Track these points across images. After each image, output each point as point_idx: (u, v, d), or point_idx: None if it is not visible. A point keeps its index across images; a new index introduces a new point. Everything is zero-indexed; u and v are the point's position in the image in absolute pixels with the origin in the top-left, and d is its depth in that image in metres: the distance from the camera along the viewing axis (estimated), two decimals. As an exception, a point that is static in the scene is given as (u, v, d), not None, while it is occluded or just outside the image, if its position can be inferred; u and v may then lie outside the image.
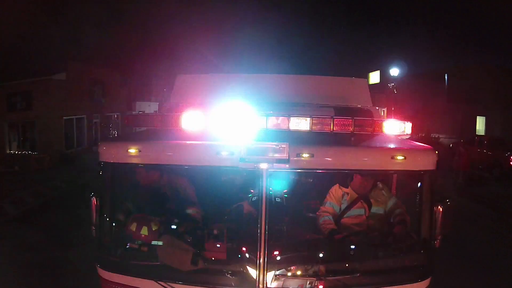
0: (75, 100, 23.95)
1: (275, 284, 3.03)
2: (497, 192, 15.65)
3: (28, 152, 21.82)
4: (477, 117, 30.85)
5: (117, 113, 31.15)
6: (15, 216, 12.00)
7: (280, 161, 2.97)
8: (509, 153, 20.16)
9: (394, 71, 27.81)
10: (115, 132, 31.16)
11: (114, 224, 3.50)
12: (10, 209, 12.43)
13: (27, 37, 22.66)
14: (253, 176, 3.08)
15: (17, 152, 22.45)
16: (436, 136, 27.60)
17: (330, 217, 3.68)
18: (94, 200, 3.39)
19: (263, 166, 3.01)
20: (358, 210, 3.76)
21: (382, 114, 4.07)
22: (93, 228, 3.48)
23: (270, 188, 3.11)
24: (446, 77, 27.64)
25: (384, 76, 34.04)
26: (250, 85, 5.04)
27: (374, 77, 42.63)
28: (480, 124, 30.97)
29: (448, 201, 3.31)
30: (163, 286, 3.10)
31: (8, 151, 22.40)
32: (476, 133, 28.65)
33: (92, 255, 3.63)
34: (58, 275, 7.89)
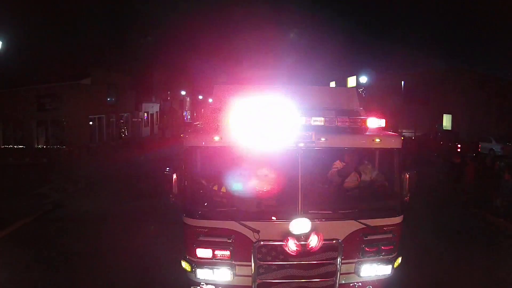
0: (97, 101, 24.74)
1: (307, 211, 4.31)
2: (441, 171, 17.12)
3: (57, 146, 22.39)
4: (444, 115, 32.99)
5: (127, 113, 31.93)
6: (74, 191, 12.78)
7: (309, 142, 4.36)
8: (457, 143, 22.81)
9: (363, 79, 29.91)
10: (125, 130, 31.97)
11: (197, 187, 4.58)
12: (69, 186, 13.35)
13: (56, 45, 23.25)
14: (294, 151, 4.39)
15: (45, 147, 22.85)
16: (401, 131, 29.82)
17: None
18: (173, 175, 4.38)
19: (300, 145, 4.36)
20: (352, 178, 5.05)
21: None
22: (171, 196, 4.41)
23: (304, 158, 4.39)
24: (402, 83, 29.69)
25: (358, 81, 35.87)
26: (274, 94, 6.24)
27: (351, 82, 44.22)
28: (447, 121, 32.92)
29: (415, 172, 4.76)
30: (238, 223, 4.29)
31: (36, 146, 22.89)
32: (443, 129, 30.90)
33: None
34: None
